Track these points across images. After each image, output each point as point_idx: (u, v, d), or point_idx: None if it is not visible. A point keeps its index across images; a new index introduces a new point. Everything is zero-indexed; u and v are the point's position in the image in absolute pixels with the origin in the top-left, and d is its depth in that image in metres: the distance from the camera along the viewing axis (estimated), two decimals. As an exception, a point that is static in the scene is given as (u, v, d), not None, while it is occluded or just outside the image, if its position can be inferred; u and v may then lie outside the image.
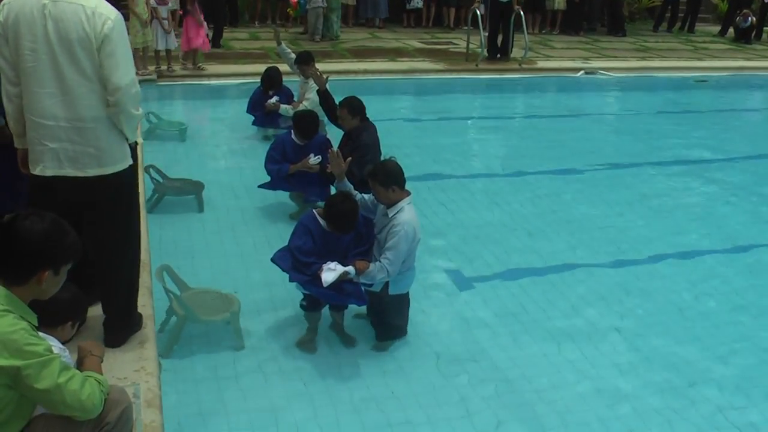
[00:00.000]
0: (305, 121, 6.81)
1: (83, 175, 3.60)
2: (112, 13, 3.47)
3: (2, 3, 3.49)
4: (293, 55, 9.12)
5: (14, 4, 3.43)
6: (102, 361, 3.01)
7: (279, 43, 9.60)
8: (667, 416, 4.37)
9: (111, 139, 3.63)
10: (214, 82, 12.02)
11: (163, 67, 11.82)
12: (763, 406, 4.52)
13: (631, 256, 6.46)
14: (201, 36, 11.80)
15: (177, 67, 12.04)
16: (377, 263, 4.62)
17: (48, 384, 2.54)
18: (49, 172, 3.59)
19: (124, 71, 3.50)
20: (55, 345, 3.07)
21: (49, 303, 2.87)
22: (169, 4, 11.47)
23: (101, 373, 2.90)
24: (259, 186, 6.88)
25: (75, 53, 3.42)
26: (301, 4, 16.49)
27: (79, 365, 2.92)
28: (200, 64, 12.24)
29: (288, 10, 17.15)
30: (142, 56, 11.32)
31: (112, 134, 3.63)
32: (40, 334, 2.83)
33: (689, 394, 4.60)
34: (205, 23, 11.93)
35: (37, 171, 3.61)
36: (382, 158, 5.50)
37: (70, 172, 3.59)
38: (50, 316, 3.18)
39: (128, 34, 3.75)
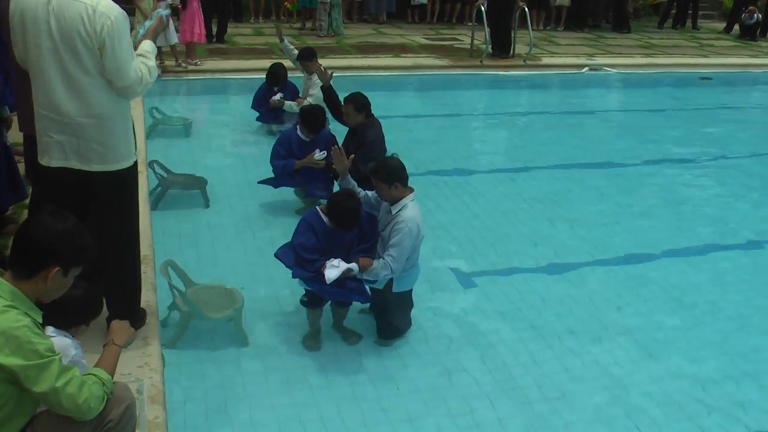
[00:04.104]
0: (313, 115, 6.78)
1: (87, 169, 3.61)
2: (113, 11, 3.46)
3: None
4: (296, 51, 9.10)
5: None
6: (126, 346, 3.04)
7: (282, 39, 9.58)
8: (669, 413, 4.36)
9: (116, 137, 3.64)
10: (218, 77, 12.00)
11: (169, 63, 11.81)
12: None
13: (637, 253, 6.43)
14: (193, 29, 11.77)
15: (183, 63, 12.03)
16: (381, 260, 4.62)
17: (45, 387, 2.54)
18: (55, 163, 3.62)
19: (126, 71, 3.52)
20: (69, 339, 3.09)
21: (64, 303, 2.88)
22: (168, 0, 11.46)
23: (115, 365, 2.90)
24: (260, 182, 6.87)
25: (77, 50, 3.43)
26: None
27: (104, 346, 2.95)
28: (197, 60, 12.19)
29: (285, 3, 17.12)
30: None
31: (117, 131, 3.64)
32: (50, 329, 2.84)
33: (696, 391, 4.58)
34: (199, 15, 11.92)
35: (44, 162, 3.65)
36: (387, 154, 5.49)
37: (75, 164, 3.62)
38: (64, 317, 3.18)
39: (132, 29, 3.74)
